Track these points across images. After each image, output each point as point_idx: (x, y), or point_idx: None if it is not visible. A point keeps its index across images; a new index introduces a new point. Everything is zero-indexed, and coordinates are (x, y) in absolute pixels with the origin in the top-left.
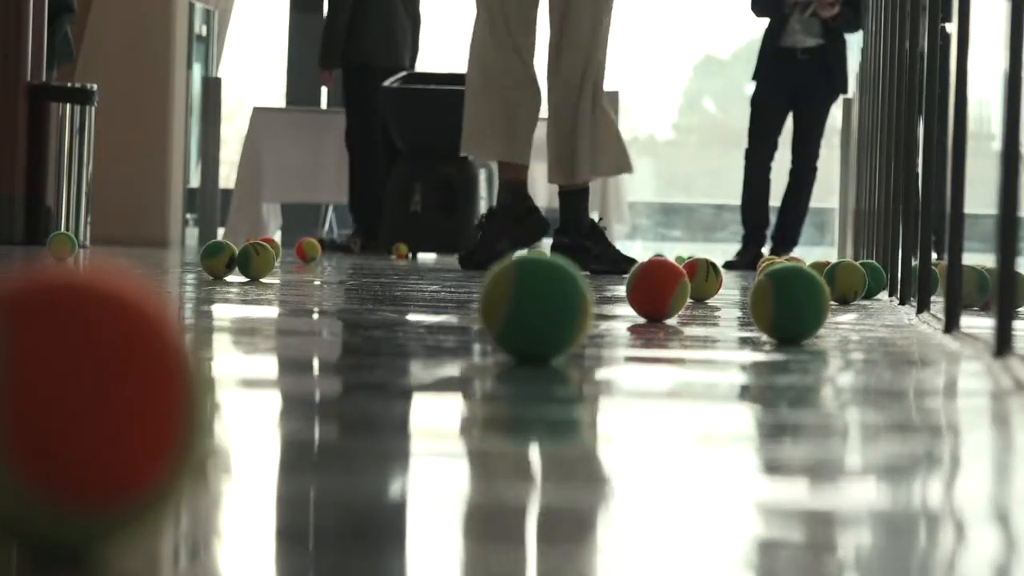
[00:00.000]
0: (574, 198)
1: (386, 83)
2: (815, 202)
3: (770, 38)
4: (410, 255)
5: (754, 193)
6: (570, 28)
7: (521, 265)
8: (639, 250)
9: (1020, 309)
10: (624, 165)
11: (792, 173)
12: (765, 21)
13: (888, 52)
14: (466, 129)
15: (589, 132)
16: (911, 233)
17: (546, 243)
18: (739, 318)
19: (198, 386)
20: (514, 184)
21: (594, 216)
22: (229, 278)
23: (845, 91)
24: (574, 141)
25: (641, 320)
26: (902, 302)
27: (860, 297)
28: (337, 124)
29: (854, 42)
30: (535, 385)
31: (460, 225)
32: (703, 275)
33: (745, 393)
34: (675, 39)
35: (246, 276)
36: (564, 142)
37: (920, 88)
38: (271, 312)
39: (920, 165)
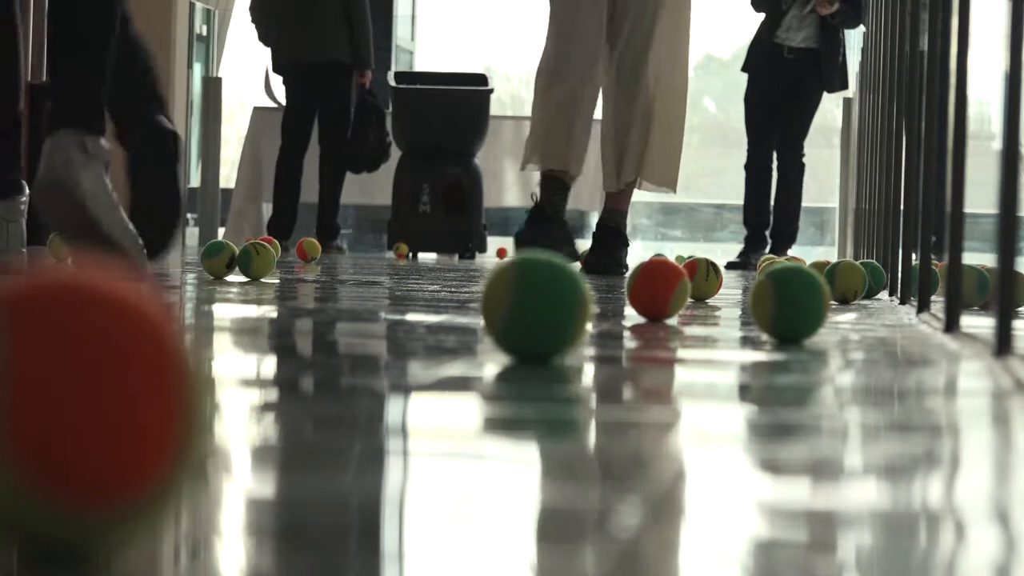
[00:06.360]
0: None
1: (391, 83)
2: (815, 202)
3: (764, 32)
4: (410, 255)
5: (755, 193)
6: (622, 28)
7: (521, 265)
8: (639, 250)
9: (1020, 309)
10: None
11: (779, 170)
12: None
13: (888, 51)
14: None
15: (636, 138)
16: (911, 233)
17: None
18: (739, 318)
19: (198, 386)
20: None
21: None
22: (229, 278)
23: (835, 89)
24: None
25: (641, 320)
26: (902, 302)
27: (860, 297)
28: None
29: (855, 40)
30: (535, 385)
31: (469, 225)
32: (703, 275)
33: (745, 393)
34: None
35: (246, 276)
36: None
37: (920, 87)
38: (271, 312)
39: (920, 165)
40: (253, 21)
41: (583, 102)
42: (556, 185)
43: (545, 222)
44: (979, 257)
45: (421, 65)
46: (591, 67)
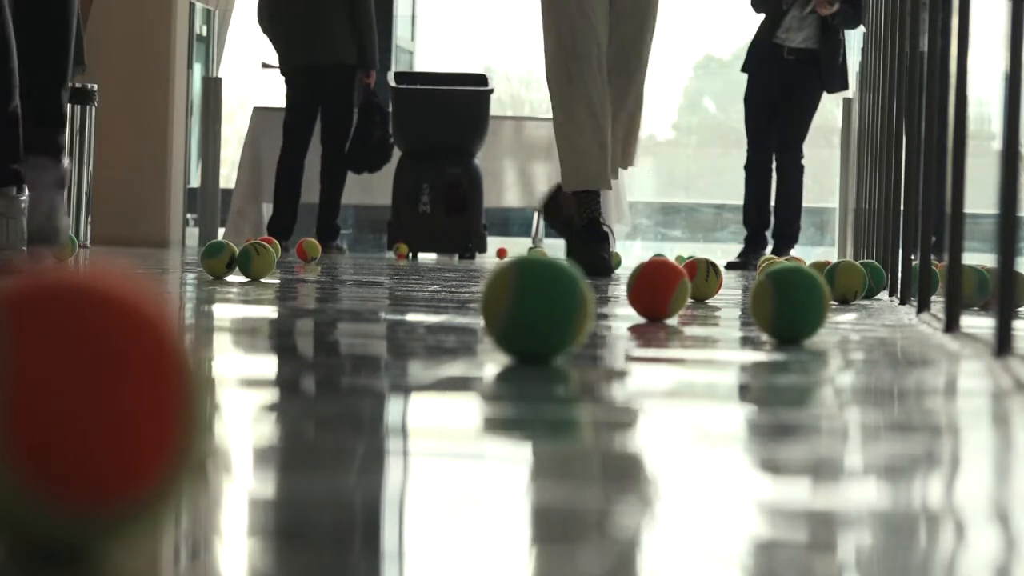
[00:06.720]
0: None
1: (391, 83)
2: (815, 202)
3: (764, 33)
4: (410, 255)
5: (755, 193)
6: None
7: (521, 265)
8: (639, 250)
9: (1020, 309)
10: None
11: (778, 171)
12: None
13: (888, 51)
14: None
15: (624, 135)
16: (911, 233)
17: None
18: (739, 318)
19: (198, 386)
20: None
21: None
22: (229, 278)
23: (835, 89)
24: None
25: (641, 320)
26: (902, 302)
27: (860, 297)
28: None
29: (855, 40)
30: (535, 385)
31: (469, 225)
32: (703, 275)
33: (745, 393)
34: (675, 39)
35: (246, 276)
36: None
37: (920, 87)
38: (271, 312)
39: (920, 165)
40: (264, 32)
41: (605, 114)
42: (593, 197)
43: (603, 240)
44: (979, 257)
45: (421, 65)
46: (605, 73)
